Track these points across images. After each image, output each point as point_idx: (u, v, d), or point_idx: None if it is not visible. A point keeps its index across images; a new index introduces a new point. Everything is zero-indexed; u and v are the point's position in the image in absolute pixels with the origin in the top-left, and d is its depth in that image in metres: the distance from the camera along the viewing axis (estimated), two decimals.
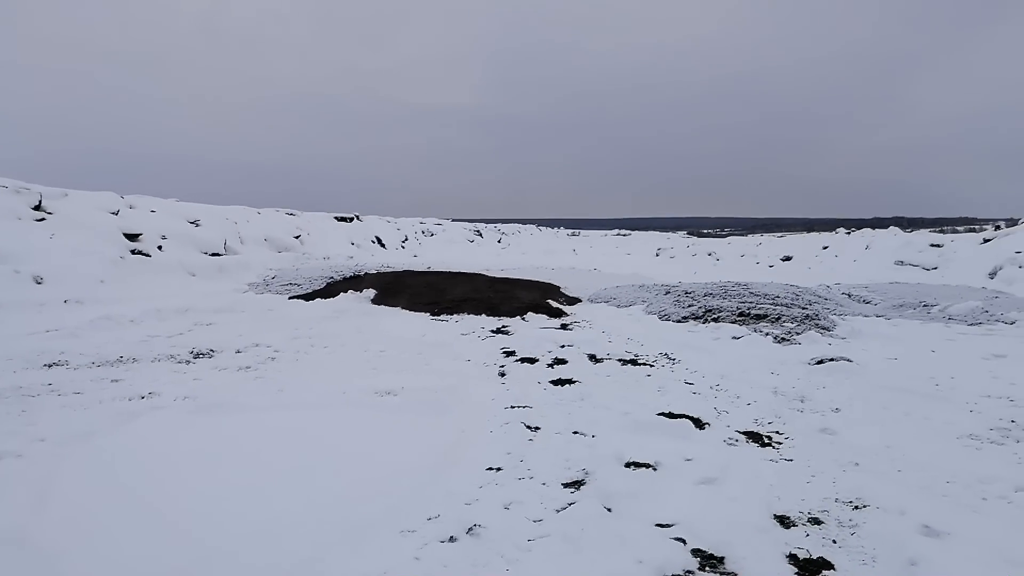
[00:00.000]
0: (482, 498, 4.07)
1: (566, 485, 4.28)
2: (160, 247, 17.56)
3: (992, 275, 22.13)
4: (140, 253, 16.51)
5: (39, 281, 12.04)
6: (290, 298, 13.63)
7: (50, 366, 7.47)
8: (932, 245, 28.86)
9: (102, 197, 19.03)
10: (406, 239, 35.23)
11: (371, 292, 13.55)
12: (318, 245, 26.31)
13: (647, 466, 4.58)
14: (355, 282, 15.02)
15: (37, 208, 16.25)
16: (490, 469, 4.55)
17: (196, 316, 11.21)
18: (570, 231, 66.30)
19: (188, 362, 7.88)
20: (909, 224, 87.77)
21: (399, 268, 19.91)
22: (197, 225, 20.52)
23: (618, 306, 13.66)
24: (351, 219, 32.53)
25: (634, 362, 8.13)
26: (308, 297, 13.60)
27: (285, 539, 3.55)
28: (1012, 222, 29.64)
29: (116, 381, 6.86)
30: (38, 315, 10.52)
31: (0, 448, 4.73)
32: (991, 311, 12.70)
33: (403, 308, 12.56)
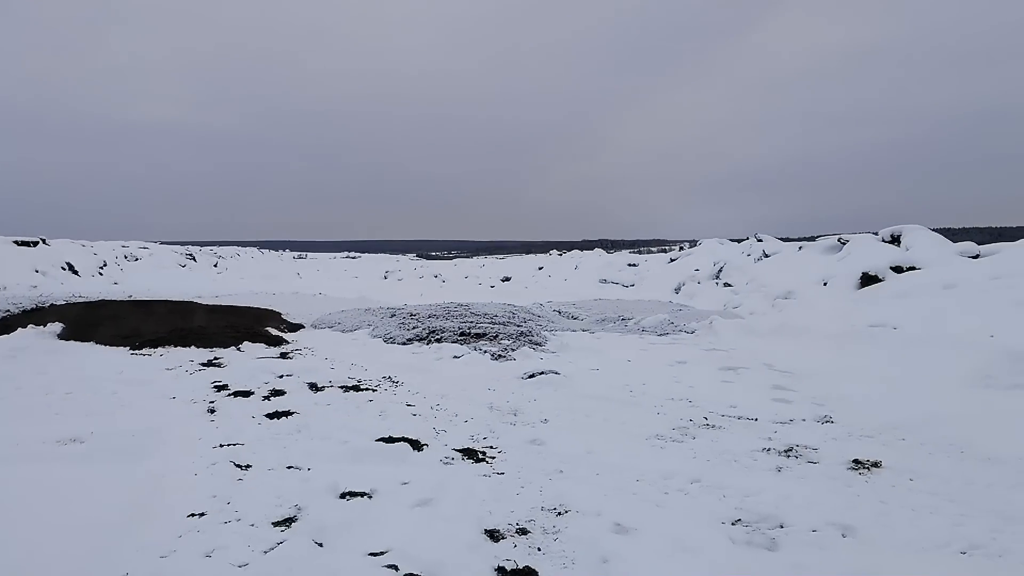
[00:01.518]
0: (180, 548, 3.71)
1: (276, 524, 4.05)
2: None
3: (677, 290, 25.20)
4: None
5: None
6: None
7: None
8: (630, 265, 32.17)
9: None
10: (105, 265, 31.73)
11: (58, 326, 11.96)
12: None
13: (363, 495, 4.49)
14: (38, 315, 13.14)
15: None
16: (192, 515, 4.17)
17: None
18: (296, 254, 64.30)
19: None
20: (612, 246, 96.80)
21: (94, 298, 17.85)
22: None
23: (343, 331, 13.45)
24: (35, 243, 28.51)
25: (357, 388, 8.02)
26: None
27: None
28: (693, 243, 34.02)
29: None
30: None
31: None
32: (676, 322, 14.40)
33: (97, 343, 11.25)
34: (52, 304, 15.15)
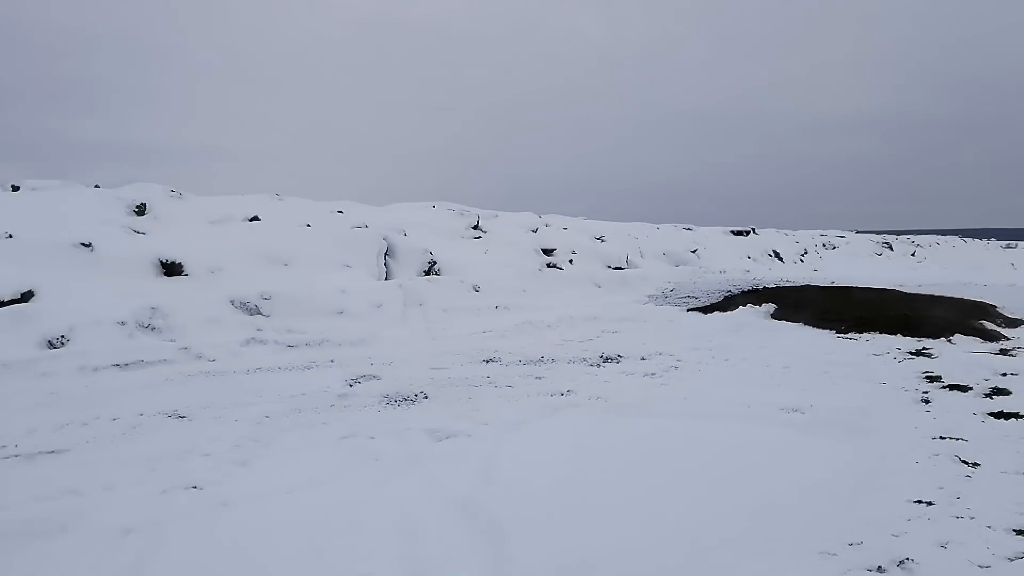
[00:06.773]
0: (911, 532, 3.72)
1: (1018, 532, 3.70)
2: (571, 261, 19.20)
3: None
4: (554, 266, 18.23)
5: (477, 289, 13.99)
6: (688, 310, 13.86)
7: (487, 362, 8.67)
8: None
9: (523, 217, 21.60)
10: (805, 252, 33.47)
11: (770, 307, 13.14)
12: (713, 259, 26.35)
13: None
14: (753, 296, 14.69)
15: (475, 228, 19.13)
16: (918, 502, 4.13)
17: (603, 324, 12.02)
18: (1005, 243, 56.42)
19: (598, 365, 8.49)
20: None
21: (799, 282, 19.05)
22: (602, 241, 22.04)
23: None
24: (746, 233, 31.97)
25: None
26: (705, 310, 13.68)
27: (701, 543, 3.65)
28: None
29: (539, 378, 7.69)
30: (476, 318, 12.25)
31: (455, 428, 5.66)
32: None
33: (805, 324, 11.96)
34: (764, 287, 16.80)
